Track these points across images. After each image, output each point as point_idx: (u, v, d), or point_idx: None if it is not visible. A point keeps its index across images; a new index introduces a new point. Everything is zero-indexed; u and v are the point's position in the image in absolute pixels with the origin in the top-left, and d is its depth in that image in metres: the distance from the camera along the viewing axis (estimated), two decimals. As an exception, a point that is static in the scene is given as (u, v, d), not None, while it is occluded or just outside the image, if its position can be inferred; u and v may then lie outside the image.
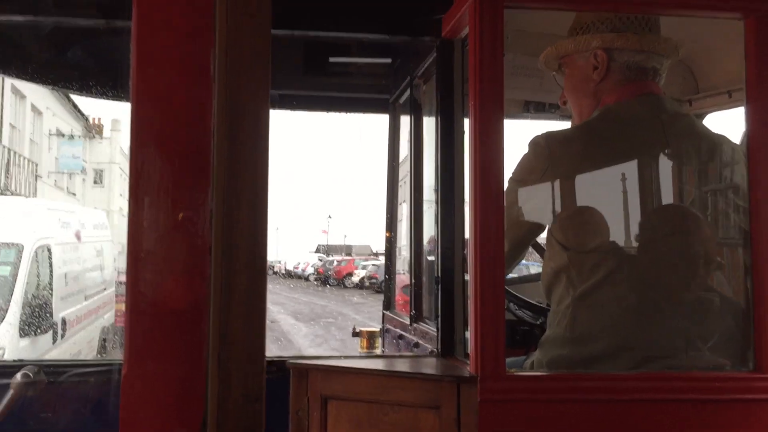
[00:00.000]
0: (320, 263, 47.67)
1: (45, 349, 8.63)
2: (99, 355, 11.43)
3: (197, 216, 0.97)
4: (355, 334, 2.97)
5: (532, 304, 2.89)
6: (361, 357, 2.55)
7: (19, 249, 8.77)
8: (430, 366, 2.07)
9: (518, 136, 2.26)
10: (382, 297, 3.82)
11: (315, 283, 42.82)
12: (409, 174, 2.96)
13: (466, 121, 2.02)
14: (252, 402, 0.95)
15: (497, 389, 1.74)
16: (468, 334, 1.89)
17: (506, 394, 1.76)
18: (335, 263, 43.52)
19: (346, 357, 2.22)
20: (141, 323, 0.97)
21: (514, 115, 3.07)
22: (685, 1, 1.96)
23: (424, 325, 2.70)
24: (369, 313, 20.15)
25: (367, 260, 41.53)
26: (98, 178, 33.72)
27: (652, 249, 2.00)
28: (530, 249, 2.40)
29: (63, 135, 24.65)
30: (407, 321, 2.92)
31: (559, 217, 2.01)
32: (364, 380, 1.91)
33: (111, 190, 34.23)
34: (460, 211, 2.16)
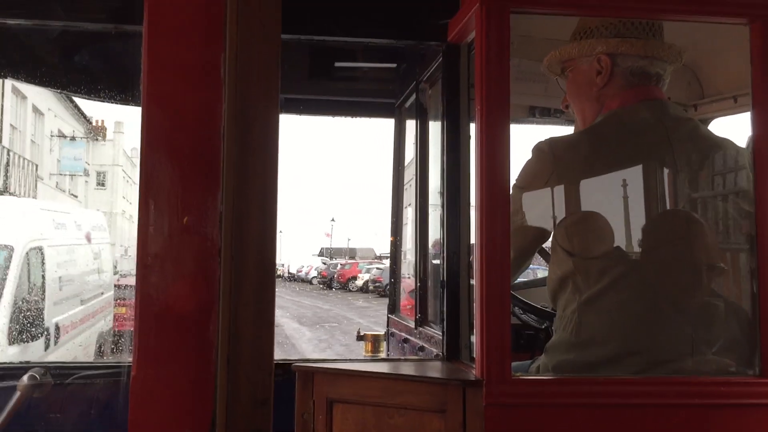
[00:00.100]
0: (324, 266, 47.66)
1: (36, 356, 8.16)
2: (96, 362, 11.26)
3: (206, 220, 0.97)
4: (360, 337, 2.97)
5: (538, 308, 2.88)
6: (366, 360, 2.55)
7: (9, 251, 8.27)
8: (435, 370, 2.07)
9: (524, 140, 2.27)
10: (386, 301, 3.82)
11: (319, 286, 42.82)
12: (414, 178, 2.96)
13: (472, 126, 2.02)
14: (260, 405, 0.95)
15: (503, 393, 1.74)
16: (473, 338, 1.90)
17: (512, 398, 1.76)
18: (339, 266, 43.50)
19: (351, 360, 2.23)
20: (150, 326, 0.98)
21: (519, 120, 3.08)
22: (690, 7, 1.96)
23: (430, 328, 2.70)
24: (374, 318, 20.09)
25: (371, 264, 41.48)
26: (101, 181, 33.79)
27: (657, 254, 2.00)
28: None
29: (65, 136, 24.57)
30: (412, 325, 2.92)
31: (563, 224, 2.01)
32: (369, 383, 1.91)
33: (114, 193, 34.30)
34: (466, 215, 2.16)
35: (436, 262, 2.67)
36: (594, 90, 2.07)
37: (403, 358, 2.84)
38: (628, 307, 1.93)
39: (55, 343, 8.92)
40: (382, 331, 3.18)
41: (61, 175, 24.92)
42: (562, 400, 1.80)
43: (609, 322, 1.94)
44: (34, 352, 8.17)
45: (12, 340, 7.82)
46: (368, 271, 38.04)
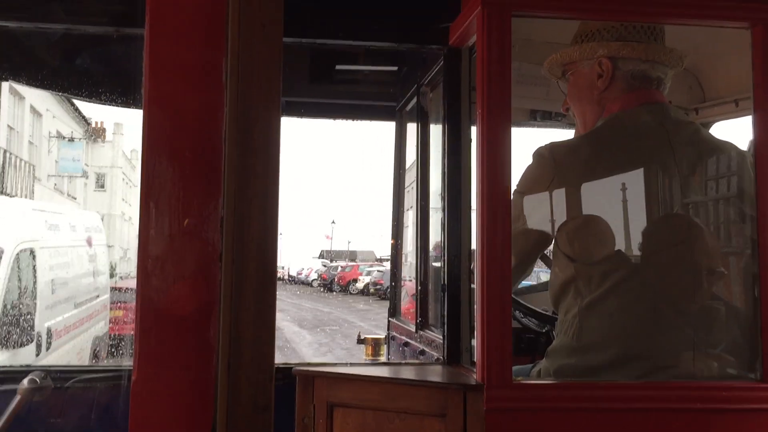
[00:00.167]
0: (324, 269, 47.65)
1: (27, 362, 7.60)
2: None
3: (208, 223, 0.97)
4: (360, 341, 2.97)
5: (539, 312, 2.88)
6: (366, 364, 2.54)
7: (-2, 252, 7.80)
8: (436, 374, 2.07)
9: (525, 144, 2.26)
10: (387, 304, 3.81)
11: (319, 289, 42.80)
12: (415, 181, 2.96)
13: (473, 129, 2.03)
14: (261, 410, 0.95)
15: (504, 397, 1.74)
16: (474, 342, 1.89)
17: (513, 403, 1.76)
18: (339, 269, 43.48)
19: (352, 364, 2.22)
20: (151, 329, 0.98)
21: (520, 124, 3.08)
22: (691, 11, 1.96)
23: (430, 332, 2.69)
24: (375, 321, 20.01)
25: (372, 266, 41.46)
26: (100, 182, 33.75)
27: (658, 259, 1.99)
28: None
29: (63, 137, 24.41)
30: (413, 328, 2.91)
31: (565, 229, 2.00)
32: (370, 387, 1.90)
33: (113, 194, 34.28)
34: (467, 218, 2.16)
35: (437, 265, 2.67)
36: (595, 93, 2.07)
37: (403, 362, 2.84)
38: (629, 311, 1.93)
39: (48, 348, 8.53)
40: (382, 335, 3.18)
41: (59, 176, 24.77)
42: (563, 404, 1.79)
43: (610, 326, 1.94)
44: (24, 358, 7.81)
45: (0, 346, 7.48)
46: (369, 273, 38.02)
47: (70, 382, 2.13)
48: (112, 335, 11.85)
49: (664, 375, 1.88)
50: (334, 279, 41.64)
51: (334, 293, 38.39)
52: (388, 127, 3.53)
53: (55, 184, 24.66)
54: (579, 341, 1.93)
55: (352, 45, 2.51)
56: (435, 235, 2.82)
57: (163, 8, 0.99)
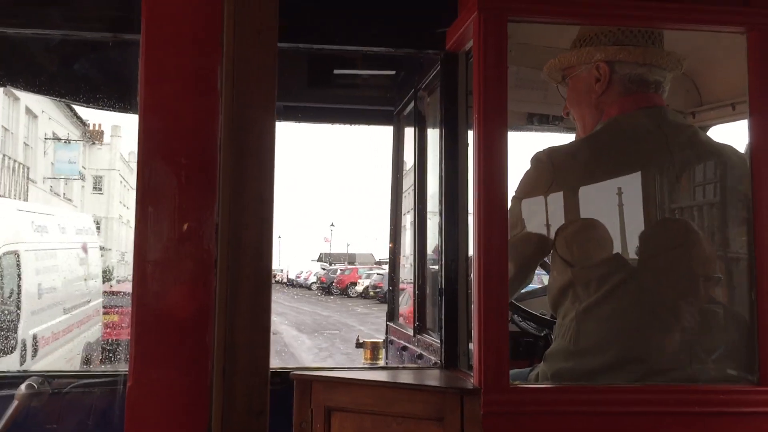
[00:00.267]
0: (323, 272, 47.60)
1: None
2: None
3: (203, 228, 0.98)
4: (359, 345, 2.97)
5: (537, 316, 2.88)
6: (364, 369, 2.54)
7: (-23, 256, 7.33)
8: (433, 378, 2.07)
9: (522, 148, 2.27)
10: (386, 307, 3.81)
11: (317, 292, 42.75)
12: (413, 185, 2.96)
13: (470, 133, 2.03)
14: (256, 415, 0.95)
15: (501, 401, 1.74)
16: (472, 346, 1.89)
17: (510, 407, 1.76)
18: (338, 272, 43.44)
19: (349, 369, 2.22)
20: (146, 334, 0.98)
21: (517, 128, 3.08)
22: (688, 16, 1.97)
23: (428, 336, 2.69)
24: (375, 324, 19.93)
25: (371, 269, 41.42)
26: (98, 185, 33.64)
27: (656, 262, 1.99)
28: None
29: (59, 139, 24.14)
30: (411, 332, 2.91)
31: (563, 234, 2.01)
32: (367, 392, 1.90)
33: (111, 198, 34.17)
34: (464, 222, 2.16)
35: (436, 268, 2.67)
36: (593, 97, 2.08)
37: (401, 366, 2.84)
38: (626, 314, 1.93)
39: (33, 356, 8.06)
40: (381, 339, 3.18)
41: (55, 178, 24.53)
42: (561, 408, 1.79)
43: (608, 329, 1.94)
44: (7, 367, 7.32)
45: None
46: (369, 276, 37.98)
47: (67, 387, 2.12)
48: (107, 341, 11.35)
49: (662, 378, 1.88)
50: (333, 282, 41.60)
51: (333, 296, 38.34)
52: (387, 131, 3.54)
53: (51, 187, 24.48)
54: (577, 345, 1.93)
55: (350, 50, 2.52)
56: (433, 238, 2.82)
57: (159, 14, 0.99)
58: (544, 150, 2.03)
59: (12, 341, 7.56)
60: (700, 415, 1.80)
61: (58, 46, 2.53)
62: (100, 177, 33.83)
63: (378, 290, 33.05)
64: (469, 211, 2.04)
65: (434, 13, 2.23)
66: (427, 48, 2.29)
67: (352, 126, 3.65)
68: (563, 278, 1.99)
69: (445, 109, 2.21)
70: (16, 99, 20.31)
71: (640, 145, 2.06)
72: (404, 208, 3.54)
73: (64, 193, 26.00)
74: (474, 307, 1.82)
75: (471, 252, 1.91)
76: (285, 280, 53.95)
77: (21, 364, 7.71)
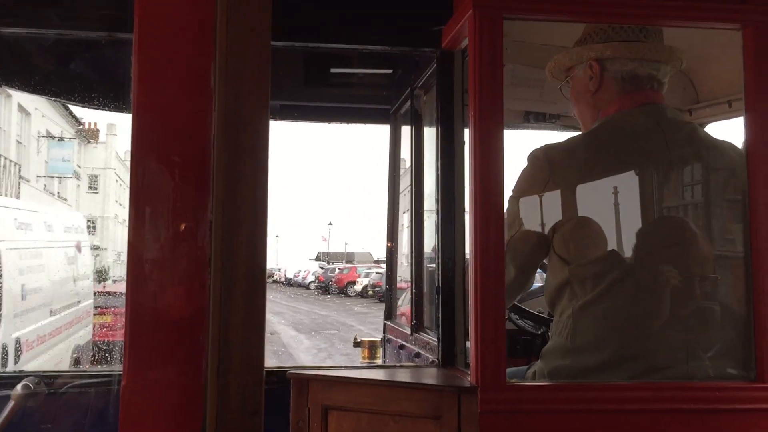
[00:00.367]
0: (321, 271, 47.56)
1: None
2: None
3: (197, 227, 0.97)
4: (357, 344, 2.97)
5: (534, 314, 2.88)
6: (362, 367, 2.54)
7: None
8: (430, 376, 2.06)
9: (518, 146, 2.26)
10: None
11: (315, 291, 42.71)
12: (410, 184, 2.96)
13: (467, 131, 2.03)
14: (250, 414, 0.95)
15: (498, 400, 1.74)
16: (469, 344, 1.89)
17: (507, 405, 1.76)
18: (337, 271, 43.41)
19: (347, 367, 2.22)
20: (141, 333, 0.98)
21: (514, 126, 3.08)
22: (684, 12, 1.97)
23: (425, 335, 2.69)
24: (374, 324, 19.85)
25: (370, 268, 41.40)
26: (93, 184, 33.44)
27: (653, 260, 1.99)
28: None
29: (53, 137, 23.75)
30: (408, 331, 2.91)
31: (560, 231, 2.00)
32: (365, 391, 1.90)
33: (106, 196, 34.00)
34: (461, 220, 2.16)
35: (433, 267, 2.67)
36: (589, 96, 2.08)
37: (398, 364, 2.84)
38: (623, 312, 1.93)
39: (16, 361, 7.65)
40: (378, 337, 3.18)
41: (48, 177, 24.22)
42: (558, 406, 1.79)
43: (605, 327, 1.94)
44: None
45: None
46: (367, 275, 37.96)
47: (63, 387, 2.12)
48: (101, 341, 10.87)
49: (659, 375, 1.88)
50: (331, 281, 41.57)
51: (332, 296, 38.31)
52: (384, 130, 3.54)
53: (45, 186, 24.22)
54: (574, 342, 1.93)
55: (346, 48, 2.51)
56: (430, 237, 2.82)
57: (152, 13, 0.99)
58: (540, 147, 2.03)
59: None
60: (696, 412, 1.80)
61: (52, 45, 2.52)
62: (96, 176, 33.65)
63: (377, 289, 33.03)
64: (466, 210, 2.04)
65: (430, 12, 2.23)
66: (423, 46, 2.29)
67: (349, 125, 3.65)
68: (560, 276, 1.98)
69: (442, 108, 2.21)
70: (8, 96, 19.97)
71: (638, 143, 2.06)
72: (402, 206, 3.54)
73: (58, 192, 25.78)
74: (471, 305, 1.82)
75: (468, 250, 1.91)
76: (283, 280, 53.91)
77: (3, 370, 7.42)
